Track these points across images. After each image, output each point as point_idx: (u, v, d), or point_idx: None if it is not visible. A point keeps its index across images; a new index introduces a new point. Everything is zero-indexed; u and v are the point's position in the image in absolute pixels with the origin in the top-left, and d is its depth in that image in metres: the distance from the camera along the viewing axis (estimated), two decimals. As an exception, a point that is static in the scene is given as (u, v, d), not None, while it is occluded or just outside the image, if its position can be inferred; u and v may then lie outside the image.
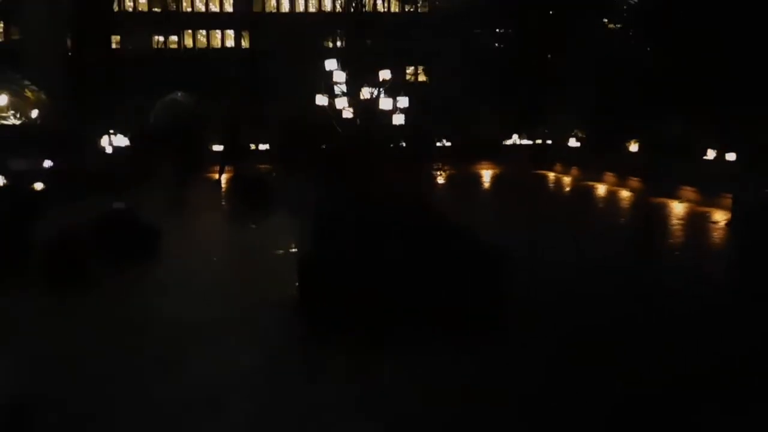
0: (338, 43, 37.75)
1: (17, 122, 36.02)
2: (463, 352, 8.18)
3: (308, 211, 12.63)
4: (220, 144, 31.19)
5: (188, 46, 53.52)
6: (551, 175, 31.66)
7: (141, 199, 16.50)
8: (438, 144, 33.92)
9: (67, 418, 6.82)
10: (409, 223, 9.80)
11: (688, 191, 21.96)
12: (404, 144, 26.77)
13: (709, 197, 20.64)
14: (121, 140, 33.37)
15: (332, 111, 22.18)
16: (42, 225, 12.95)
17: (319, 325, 8.85)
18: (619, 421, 6.83)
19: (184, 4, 54.03)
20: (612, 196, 24.92)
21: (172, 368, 7.98)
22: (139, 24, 50.35)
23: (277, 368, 8.08)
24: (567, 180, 30.12)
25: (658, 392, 7.32)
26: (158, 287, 11.35)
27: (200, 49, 53.21)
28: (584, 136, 34.85)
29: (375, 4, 43.84)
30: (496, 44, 42.95)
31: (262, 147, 33.28)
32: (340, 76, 21.63)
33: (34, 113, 37.12)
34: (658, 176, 23.29)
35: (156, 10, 53.42)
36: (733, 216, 17.47)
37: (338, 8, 44.61)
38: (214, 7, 54.45)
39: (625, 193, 24.97)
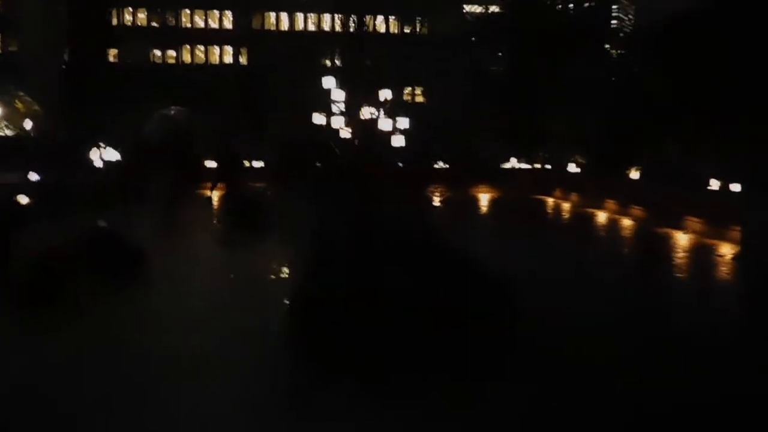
0: (337, 62, 37.47)
1: (10, 133, 35.46)
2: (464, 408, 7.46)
3: (303, 234, 11.91)
4: (213, 160, 30.60)
5: (186, 61, 53.23)
6: (550, 201, 31.12)
7: (128, 217, 15.74)
8: (436, 166, 33.49)
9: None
10: (412, 253, 9.12)
11: (693, 222, 21.39)
12: (402, 165, 26.28)
13: (715, 228, 20.07)
14: (113, 154, 32.76)
15: (330, 130, 21.67)
16: (16, 244, 12.19)
17: (310, 367, 8.11)
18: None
19: (184, 19, 53.78)
20: (614, 225, 24.34)
21: (130, 413, 7.20)
22: (137, 38, 50.11)
23: (257, 416, 7.35)
24: (567, 206, 29.57)
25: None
26: (134, 317, 10.57)
27: (198, 65, 52.92)
28: (584, 161, 34.46)
29: (375, 25, 43.65)
30: (495, 68, 42.77)
31: (257, 164, 32.74)
32: (338, 95, 21.15)
33: (28, 125, 36.58)
34: (662, 205, 22.77)
35: (154, 24, 53.20)
36: (742, 249, 16.91)
37: (337, 27, 44.43)
38: (213, 23, 54.19)
39: (627, 222, 24.38)
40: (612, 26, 49.65)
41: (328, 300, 8.33)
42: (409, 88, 42.96)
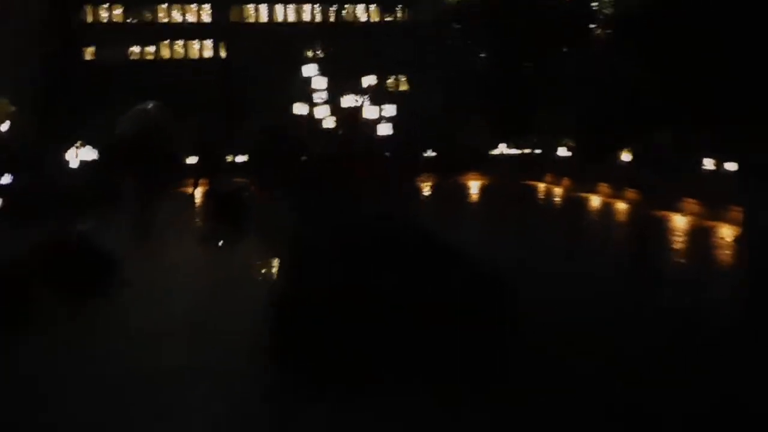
0: (318, 52, 36.73)
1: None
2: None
3: (285, 232, 11.16)
4: (194, 156, 29.81)
5: (165, 57, 52.26)
6: (542, 186, 30.46)
7: (105, 219, 14.93)
8: (424, 155, 32.80)
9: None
10: (399, 250, 8.44)
11: (691, 204, 20.76)
12: (389, 155, 25.57)
13: (714, 210, 19.47)
14: (91, 153, 31.85)
15: (312, 120, 20.89)
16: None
17: (293, 377, 7.40)
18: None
19: (161, 14, 52.80)
20: (609, 209, 23.70)
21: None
22: (114, 35, 49.14)
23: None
24: (559, 191, 28.91)
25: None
26: (105, 327, 9.77)
27: (177, 60, 51.96)
28: (574, 145, 33.82)
29: (355, 13, 42.90)
30: (480, 54, 42.10)
31: (239, 159, 31.94)
32: (320, 83, 20.37)
33: (4, 126, 35.57)
34: (657, 188, 22.15)
35: (131, 21, 52.17)
36: (745, 231, 16.30)
37: (317, 17, 43.67)
38: (191, 18, 53.20)
39: (623, 206, 23.73)
40: (593, 7, 49.05)
41: (313, 303, 7.65)
42: (393, 77, 42.35)
